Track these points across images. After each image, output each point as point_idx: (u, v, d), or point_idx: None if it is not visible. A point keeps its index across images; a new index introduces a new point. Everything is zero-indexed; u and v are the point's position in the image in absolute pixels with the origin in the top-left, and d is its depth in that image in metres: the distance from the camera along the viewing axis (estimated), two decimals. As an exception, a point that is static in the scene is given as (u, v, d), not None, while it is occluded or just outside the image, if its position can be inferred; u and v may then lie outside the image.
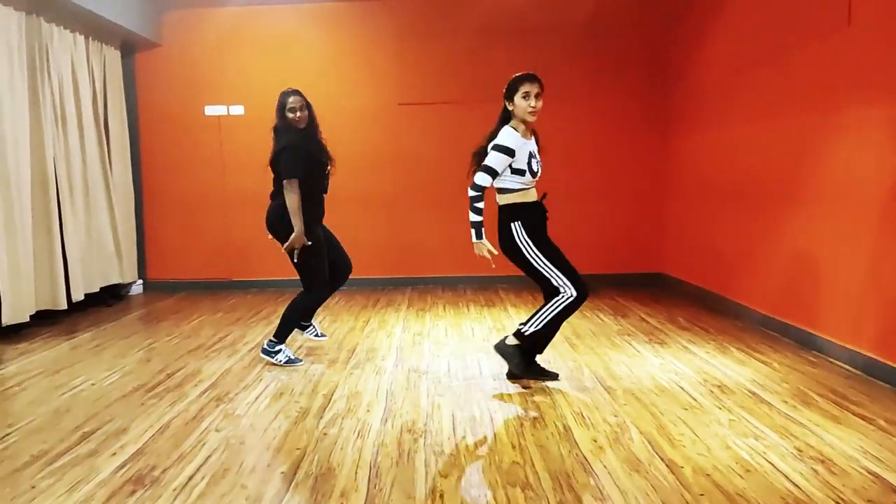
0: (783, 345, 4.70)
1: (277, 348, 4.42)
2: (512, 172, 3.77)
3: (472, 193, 3.75)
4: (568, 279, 3.76)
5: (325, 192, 4.45)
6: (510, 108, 3.82)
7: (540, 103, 3.78)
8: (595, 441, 3.05)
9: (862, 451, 2.91)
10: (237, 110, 7.41)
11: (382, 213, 7.48)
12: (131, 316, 6.20)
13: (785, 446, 2.96)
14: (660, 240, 7.46)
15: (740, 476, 2.68)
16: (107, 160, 6.75)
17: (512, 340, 3.89)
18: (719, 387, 3.82)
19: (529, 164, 3.77)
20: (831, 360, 4.29)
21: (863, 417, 3.30)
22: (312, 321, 4.77)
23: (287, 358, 4.40)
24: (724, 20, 5.93)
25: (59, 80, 6.02)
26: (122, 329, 5.63)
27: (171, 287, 7.56)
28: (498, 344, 3.98)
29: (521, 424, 3.28)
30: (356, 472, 2.77)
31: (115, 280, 6.84)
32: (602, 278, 7.38)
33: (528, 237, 3.79)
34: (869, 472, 2.69)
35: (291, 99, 4.22)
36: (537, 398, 3.67)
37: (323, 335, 4.80)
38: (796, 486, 2.59)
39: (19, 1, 5.47)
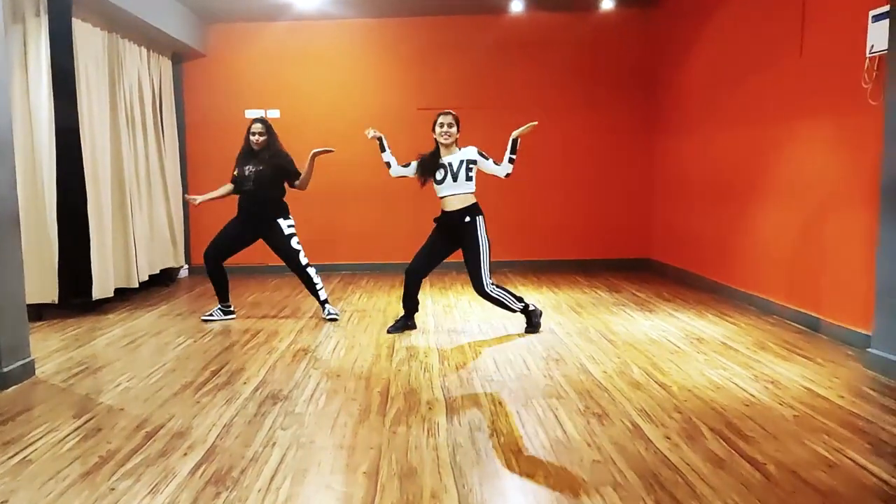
0: (749, 311, 5.76)
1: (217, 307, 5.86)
2: None
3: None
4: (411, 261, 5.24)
5: (243, 193, 5.63)
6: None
7: (451, 129, 5.03)
8: (605, 372, 4.08)
9: (802, 377, 3.96)
10: (274, 114, 8.37)
11: (401, 205, 8.45)
12: (192, 294, 7.16)
13: (745, 374, 4.01)
14: (646, 229, 8.52)
15: (712, 391, 3.72)
16: (163, 157, 7.68)
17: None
18: (698, 339, 4.87)
19: (434, 173, 5.06)
20: (785, 320, 5.35)
21: (805, 357, 4.36)
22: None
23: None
24: (702, 44, 6.99)
25: (129, 89, 6.95)
26: (189, 304, 6.59)
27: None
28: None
29: (548, 364, 4.30)
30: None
31: (170, 264, 7.79)
32: (597, 262, 8.47)
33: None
34: (805, 388, 3.75)
35: (255, 126, 5.54)
36: (556, 347, 4.69)
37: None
38: (752, 395, 3.63)
39: (102, 21, 6.39)
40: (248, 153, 5.61)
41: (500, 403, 3.56)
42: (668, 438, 3.05)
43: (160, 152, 7.64)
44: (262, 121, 5.61)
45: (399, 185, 8.56)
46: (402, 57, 8.42)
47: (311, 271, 5.70)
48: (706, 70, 6.89)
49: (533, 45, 8.31)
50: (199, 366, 4.39)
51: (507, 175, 5.07)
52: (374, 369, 4.24)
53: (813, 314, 5.07)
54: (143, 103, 7.29)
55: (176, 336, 5.23)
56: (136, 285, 6.84)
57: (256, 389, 3.87)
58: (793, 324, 5.25)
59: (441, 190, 5.06)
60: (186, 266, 8.49)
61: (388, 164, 5.28)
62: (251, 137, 5.54)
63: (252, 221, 5.64)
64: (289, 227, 5.66)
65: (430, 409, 3.50)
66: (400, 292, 6.86)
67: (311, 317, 5.84)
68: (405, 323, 5.33)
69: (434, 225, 5.24)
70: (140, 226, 7.07)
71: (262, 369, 4.27)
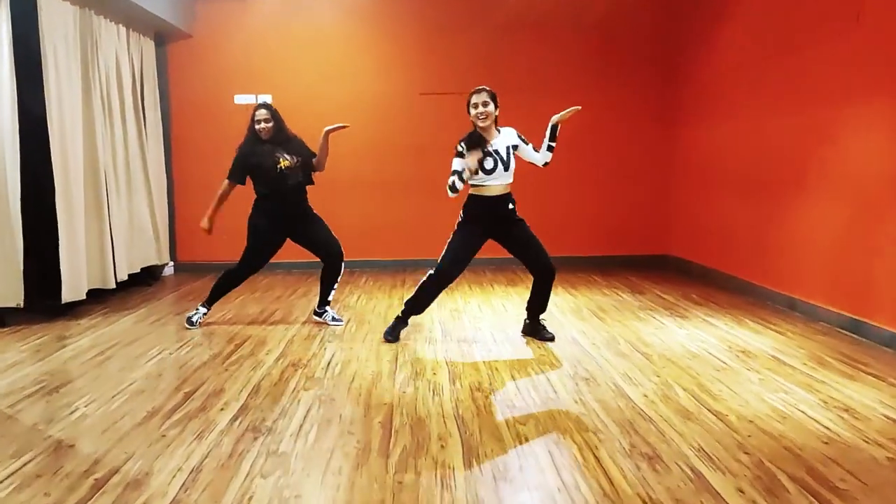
0: (792, 317, 5.15)
1: (201, 310, 5.20)
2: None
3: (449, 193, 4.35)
4: (442, 261, 4.48)
5: (282, 191, 4.91)
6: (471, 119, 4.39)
7: (487, 108, 4.31)
8: (646, 397, 3.48)
9: (879, 402, 3.36)
10: (265, 99, 7.73)
11: (401, 197, 7.83)
12: (175, 294, 6.55)
13: (811, 399, 3.41)
14: (666, 223, 7.90)
15: (778, 422, 3.11)
16: (145, 147, 7.06)
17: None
18: (743, 352, 4.26)
19: (482, 162, 4.29)
20: (837, 328, 4.75)
21: (874, 375, 3.76)
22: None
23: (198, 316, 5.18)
24: (734, 17, 6.35)
25: (106, 71, 6.32)
26: (172, 306, 5.99)
27: (200, 269, 7.88)
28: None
29: (577, 384, 3.69)
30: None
31: (153, 261, 7.17)
32: (612, 259, 7.86)
33: (463, 220, 4.53)
34: (887, 418, 3.15)
35: (258, 112, 4.89)
36: (583, 363, 4.09)
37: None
38: (827, 429, 3.03)
39: (73, -5, 5.77)
40: (260, 143, 4.91)
41: (526, 440, 2.96)
42: (742, 492, 2.45)
43: (141, 140, 7.01)
44: (267, 106, 4.97)
45: (400, 176, 8.02)
46: (403, 37, 7.78)
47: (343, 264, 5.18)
48: (739, 46, 6.24)
49: (543, 23, 7.67)
50: (171, 386, 3.78)
51: (546, 164, 4.64)
52: (374, 391, 3.64)
53: (869, 322, 4.47)
54: (122, 87, 6.65)
55: (150, 346, 4.62)
56: (114, 286, 6.23)
57: (235, 419, 3.26)
58: (846, 332, 4.65)
59: (488, 180, 4.41)
60: (172, 263, 7.88)
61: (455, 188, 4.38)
62: (256, 126, 4.88)
63: (294, 220, 5.03)
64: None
65: (442, 447, 2.89)
66: (404, 292, 6.29)
67: (305, 322, 5.24)
68: (404, 326, 4.74)
69: (468, 214, 4.52)
70: (118, 220, 6.45)
71: (244, 391, 3.66)
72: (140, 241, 6.92)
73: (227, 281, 5.13)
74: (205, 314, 5.21)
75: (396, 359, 4.24)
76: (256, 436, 3.04)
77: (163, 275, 7.65)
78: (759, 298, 5.76)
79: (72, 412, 3.39)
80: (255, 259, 5.04)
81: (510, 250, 4.61)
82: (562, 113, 4.49)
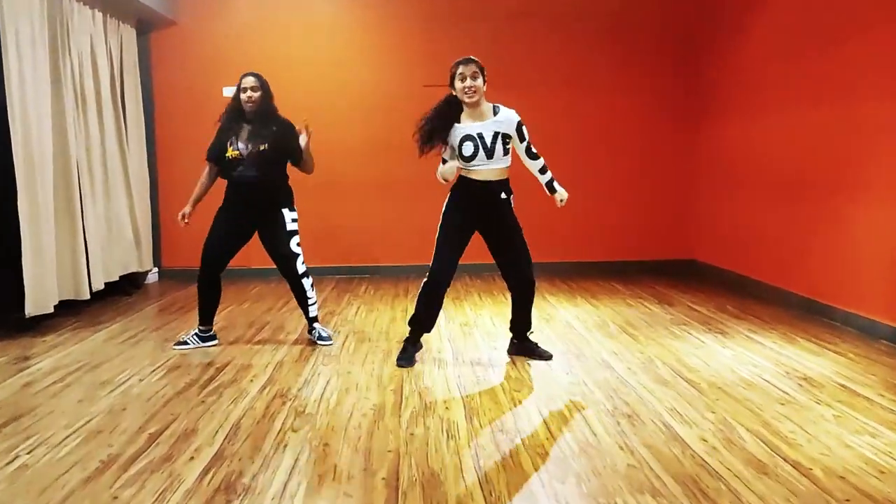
0: (848, 334, 4.56)
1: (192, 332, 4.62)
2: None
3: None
4: (433, 262, 3.95)
5: (230, 181, 4.42)
6: (454, 93, 3.89)
7: (476, 82, 3.80)
8: (705, 441, 2.88)
9: None
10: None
11: (404, 197, 7.24)
12: (155, 306, 5.95)
13: (907, 445, 2.82)
14: (692, 226, 7.31)
15: (877, 478, 2.52)
16: (125, 143, 6.47)
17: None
18: (805, 379, 3.67)
19: (460, 147, 3.84)
20: (906, 350, 4.16)
21: (972, 412, 3.16)
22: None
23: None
24: (766, 8, 5.75)
25: (79, 60, 5.73)
26: (151, 320, 5.39)
27: (187, 275, 7.24)
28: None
29: (618, 423, 3.10)
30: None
31: (133, 268, 6.58)
32: (633, 265, 7.29)
33: (446, 209, 4.01)
34: None
35: (245, 80, 4.33)
36: (621, 393, 3.49)
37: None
38: (941, 489, 2.44)
39: (39, -26, 5.17)
40: (237, 119, 4.36)
41: (568, 505, 2.36)
42: (863, 591, 1.86)
43: (120, 137, 6.41)
44: (256, 75, 4.34)
45: (402, 174, 7.41)
46: (404, 25, 7.18)
47: (307, 282, 4.52)
48: (771, 40, 5.64)
49: (555, 11, 7.08)
50: (134, 424, 3.18)
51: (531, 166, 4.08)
52: (376, 433, 3.04)
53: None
54: (98, 77, 6.05)
55: (119, 370, 4.02)
56: (88, 296, 5.63)
57: (206, 472, 2.66)
58: (917, 354, 4.06)
59: (472, 166, 3.89)
60: (156, 270, 7.28)
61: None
62: (242, 95, 4.30)
63: (252, 210, 4.41)
64: (292, 220, 4.47)
65: (463, 516, 2.30)
66: (407, 303, 5.70)
67: (296, 341, 4.65)
68: (418, 348, 4.16)
69: (452, 201, 4.04)
70: (94, 225, 5.85)
71: (220, 432, 3.06)
72: (119, 247, 6.32)
73: (208, 288, 4.57)
74: (201, 331, 4.58)
75: (402, 387, 3.64)
76: (230, 498, 2.44)
77: (146, 283, 7.06)
78: (807, 312, 5.16)
79: (11, 461, 2.80)
80: (218, 241, 4.42)
81: (490, 250, 4.06)
82: (560, 199, 4.09)
